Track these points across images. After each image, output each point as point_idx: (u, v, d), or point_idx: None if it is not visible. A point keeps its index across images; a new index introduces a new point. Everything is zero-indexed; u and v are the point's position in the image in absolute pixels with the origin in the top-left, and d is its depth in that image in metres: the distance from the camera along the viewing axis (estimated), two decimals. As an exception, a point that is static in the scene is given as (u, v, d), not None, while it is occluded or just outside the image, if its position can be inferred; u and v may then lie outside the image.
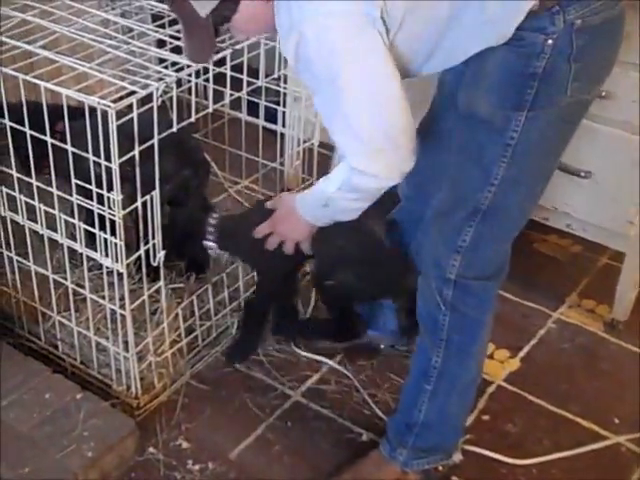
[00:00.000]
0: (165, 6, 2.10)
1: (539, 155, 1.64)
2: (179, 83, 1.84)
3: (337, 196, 1.72)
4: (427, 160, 1.88)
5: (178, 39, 1.95)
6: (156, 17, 2.16)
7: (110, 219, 1.82)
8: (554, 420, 2.20)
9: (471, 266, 1.74)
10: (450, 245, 1.72)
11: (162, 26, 2.07)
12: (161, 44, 1.97)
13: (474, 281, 1.76)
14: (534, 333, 2.47)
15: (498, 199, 1.65)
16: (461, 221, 1.70)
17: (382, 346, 2.32)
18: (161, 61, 1.91)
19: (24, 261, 2.15)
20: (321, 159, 2.41)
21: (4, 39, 1.90)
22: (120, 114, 1.69)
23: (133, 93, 1.74)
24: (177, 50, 1.92)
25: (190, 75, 1.87)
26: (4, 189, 2.03)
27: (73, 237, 1.98)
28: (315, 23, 1.48)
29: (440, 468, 2.02)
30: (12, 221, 2.08)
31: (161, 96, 1.77)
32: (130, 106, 1.72)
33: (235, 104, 2.20)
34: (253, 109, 2.45)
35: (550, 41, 1.50)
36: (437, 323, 1.81)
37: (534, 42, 1.50)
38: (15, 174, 1.98)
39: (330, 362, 2.31)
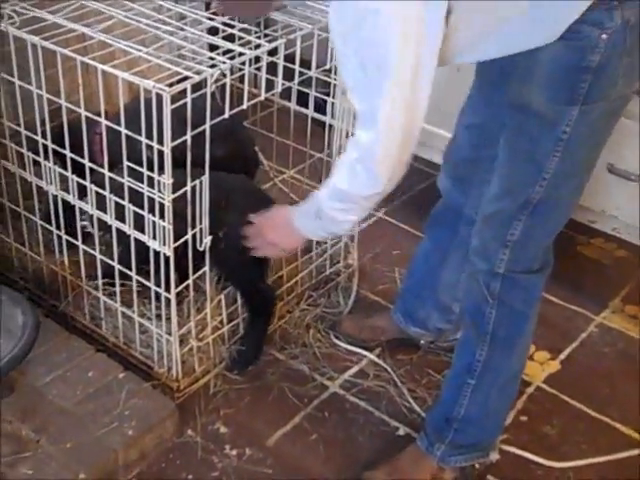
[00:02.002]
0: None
1: (589, 148, 1.65)
2: (230, 71, 1.85)
3: (326, 206, 1.68)
4: (469, 153, 1.89)
5: (231, 27, 1.97)
6: (210, 5, 2.17)
7: (159, 202, 1.84)
8: (593, 424, 2.19)
9: (519, 260, 1.75)
10: (499, 239, 1.73)
11: (215, 13, 2.08)
12: (213, 32, 1.99)
13: (522, 275, 1.77)
14: (575, 336, 2.45)
15: (549, 193, 1.65)
16: (511, 215, 1.70)
17: (422, 342, 2.32)
18: (212, 49, 1.92)
19: (73, 240, 2.18)
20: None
21: (60, 21, 1.93)
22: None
23: (185, 79, 1.76)
24: (230, 38, 1.93)
25: (243, 63, 1.88)
26: (57, 168, 2.06)
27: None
28: (375, 18, 1.41)
29: (477, 466, 2.01)
30: (63, 201, 2.12)
31: (215, 82, 1.78)
32: (181, 92, 1.74)
33: (284, 93, 2.21)
34: (302, 99, 2.46)
35: (605, 36, 1.49)
36: (484, 316, 1.81)
37: (589, 36, 1.50)
38: (68, 154, 2.01)
39: (369, 355, 2.32)
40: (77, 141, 2.00)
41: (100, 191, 1.98)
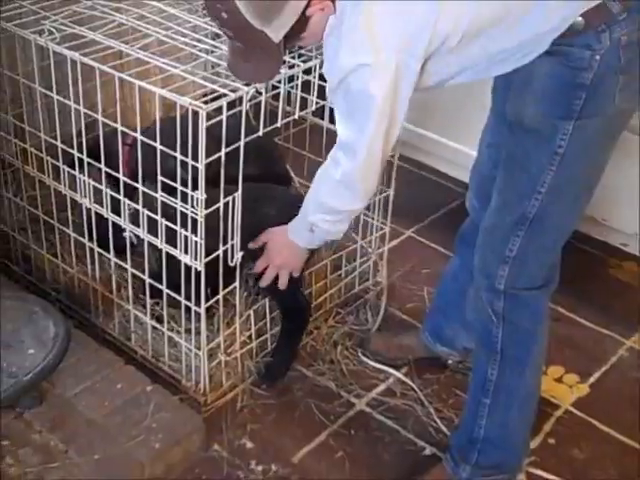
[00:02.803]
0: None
1: (585, 164, 1.66)
2: (265, 89, 1.86)
3: (317, 219, 1.81)
4: (490, 171, 1.91)
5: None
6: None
7: (192, 218, 1.86)
8: (621, 449, 2.16)
9: (519, 276, 1.76)
10: (498, 255, 1.75)
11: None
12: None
13: (524, 292, 1.77)
14: (605, 360, 2.43)
15: (545, 207, 1.67)
16: (508, 230, 1.72)
17: (450, 362, 2.32)
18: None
19: (105, 253, 2.20)
20: (400, 171, 2.42)
21: (98, 38, 1.96)
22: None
23: (218, 97, 1.77)
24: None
25: (278, 81, 1.90)
26: (91, 181, 2.08)
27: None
28: (357, 75, 1.53)
29: (503, 488, 2.00)
30: (96, 214, 2.14)
31: (249, 100, 1.80)
32: (214, 110, 1.75)
33: (316, 111, 2.23)
34: (334, 117, 2.47)
35: (597, 56, 1.54)
36: (490, 335, 1.82)
37: (581, 57, 1.54)
38: (104, 168, 2.03)
39: (397, 373, 2.31)
40: (106, 154, 2.03)
41: (134, 205, 2.00)
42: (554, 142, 1.60)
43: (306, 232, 1.86)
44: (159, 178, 1.89)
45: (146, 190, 1.96)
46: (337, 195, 1.75)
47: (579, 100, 1.56)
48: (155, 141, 1.86)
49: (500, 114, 1.79)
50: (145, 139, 1.89)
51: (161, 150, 1.86)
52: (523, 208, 1.69)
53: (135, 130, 1.91)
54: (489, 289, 1.79)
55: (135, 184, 1.97)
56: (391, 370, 2.32)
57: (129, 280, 2.18)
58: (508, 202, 1.72)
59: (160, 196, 1.91)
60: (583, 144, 1.61)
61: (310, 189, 1.83)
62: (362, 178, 1.70)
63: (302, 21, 1.53)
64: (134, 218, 2.01)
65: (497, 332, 1.81)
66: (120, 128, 1.95)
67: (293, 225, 1.91)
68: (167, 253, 1.98)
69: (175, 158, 1.82)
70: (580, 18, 1.52)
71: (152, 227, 1.98)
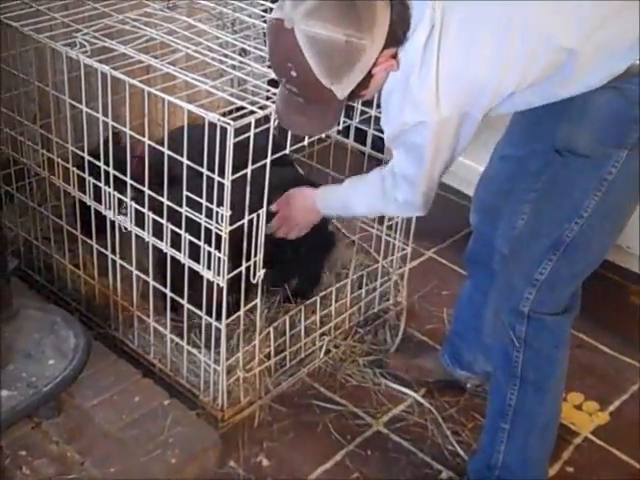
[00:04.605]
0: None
1: (630, 192, 1.68)
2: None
3: (360, 213, 2.02)
4: (501, 184, 1.92)
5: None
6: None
7: (216, 234, 1.86)
8: (640, 479, 2.14)
9: (545, 301, 1.75)
10: (527, 277, 1.74)
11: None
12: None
13: (548, 317, 1.76)
14: (626, 388, 2.40)
15: (584, 232, 1.68)
16: (541, 253, 1.72)
17: (468, 385, 2.30)
18: (271, 83, 1.94)
19: (127, 265, 2.21)
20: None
21: (128, 52, 1.97)
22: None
23: (244, 115, 1.78)
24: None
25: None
26: (116, 194, 2.09)
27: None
28: (417, 129, 1.58)
29: (520, 516, 1.98)
30: (119, 225, 2.14)
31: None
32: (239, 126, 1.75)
33: (342, 130, 2.24)
34: (359, 136, 2.48)
35: None
36: (510, 360, 1.81)
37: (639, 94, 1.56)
38: (129, 181, 2.04)
39: (415, 395, 2.30)
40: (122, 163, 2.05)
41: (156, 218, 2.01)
42: (604, 169, 1.62)
43: (337, 209, 2.01)
44: (184, 193, 1.89)
45: (171, 204, 1.96)
46: (399, 211, 1.96)
47: (635, 133, 1.58)
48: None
49: (530, 130, 1.80)
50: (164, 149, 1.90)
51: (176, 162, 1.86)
52: (561, 232, 1.69)
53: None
54: (512, 311, 1.77)
55: (160, 198, 1.98)
56: (409, 391, 2.31)
57: (150, 292, 2.18)
58: (545, 225, 1.73)
59: (185, 211, 1.91)
60: (632, 172, 1.63)
61: (354, 190, 1.91)
62: (424, 199, 1.78)
63: (367, 78, 1.54)
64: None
65: (518, 357, 1.80)
66: (147, 142, 1.96)
67: (327, 196, 2.00)
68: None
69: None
70: (637, 62, 1.55)
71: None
